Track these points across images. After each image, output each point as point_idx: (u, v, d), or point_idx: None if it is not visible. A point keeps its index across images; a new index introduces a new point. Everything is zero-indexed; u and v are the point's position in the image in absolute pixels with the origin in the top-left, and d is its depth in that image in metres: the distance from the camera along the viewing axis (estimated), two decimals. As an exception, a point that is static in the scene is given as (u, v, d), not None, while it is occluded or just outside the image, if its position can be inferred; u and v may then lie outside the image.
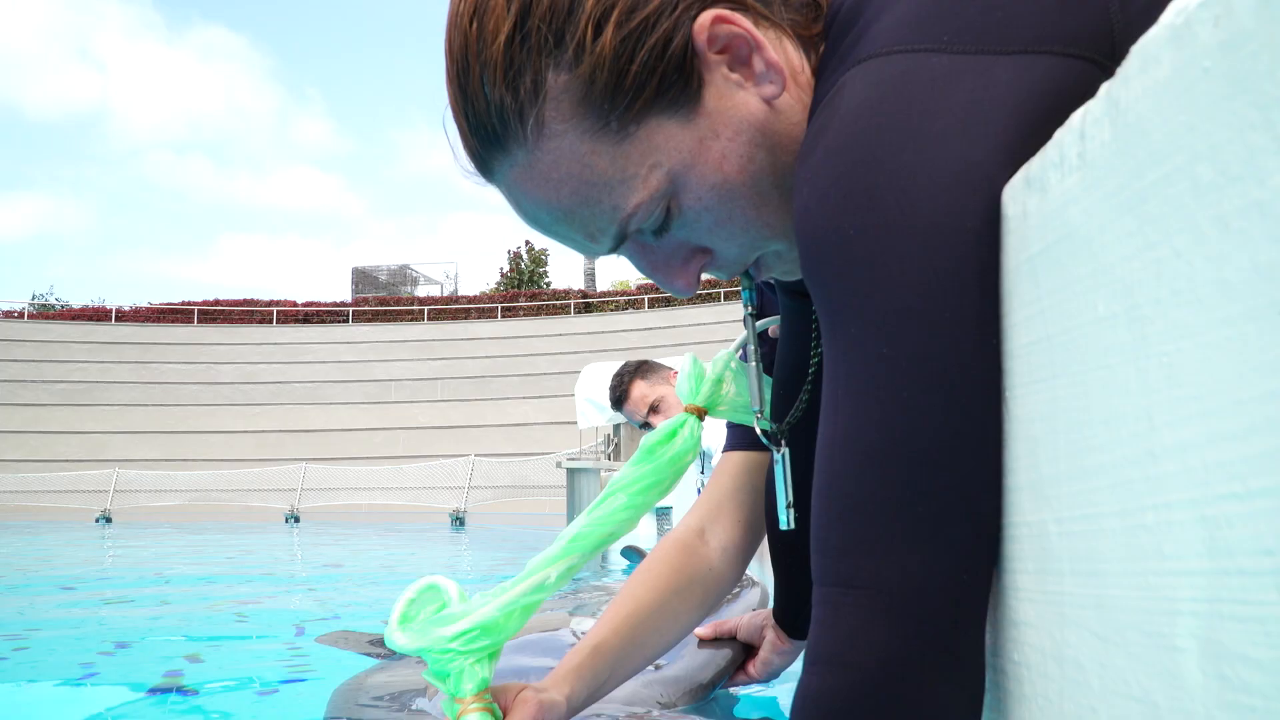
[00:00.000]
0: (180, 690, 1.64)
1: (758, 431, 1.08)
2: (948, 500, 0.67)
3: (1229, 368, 0.41)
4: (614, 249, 0.84)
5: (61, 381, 27.04)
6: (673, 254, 0.86)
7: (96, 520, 17.12)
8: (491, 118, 0.79)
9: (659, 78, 0.78)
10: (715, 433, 1.50)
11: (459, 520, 15.54)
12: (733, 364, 1.28)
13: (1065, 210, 0.56)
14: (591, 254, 0.86)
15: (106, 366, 27.93)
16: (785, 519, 1.04)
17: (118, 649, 2.19)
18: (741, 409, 1.28)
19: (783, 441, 1.06)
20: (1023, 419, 0.65)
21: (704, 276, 0.88)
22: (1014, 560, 0.68)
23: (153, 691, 1.53)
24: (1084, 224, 0.55)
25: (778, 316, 1.21)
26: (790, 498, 1.05)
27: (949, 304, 0.67)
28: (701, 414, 1.28)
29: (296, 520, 16.59)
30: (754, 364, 1.09)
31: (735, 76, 0.80)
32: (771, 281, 1.11)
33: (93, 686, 1.68)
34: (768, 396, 1.17)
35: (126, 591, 4.19)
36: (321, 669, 1.84)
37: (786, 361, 1.12)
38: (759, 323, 1.16)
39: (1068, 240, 0.57)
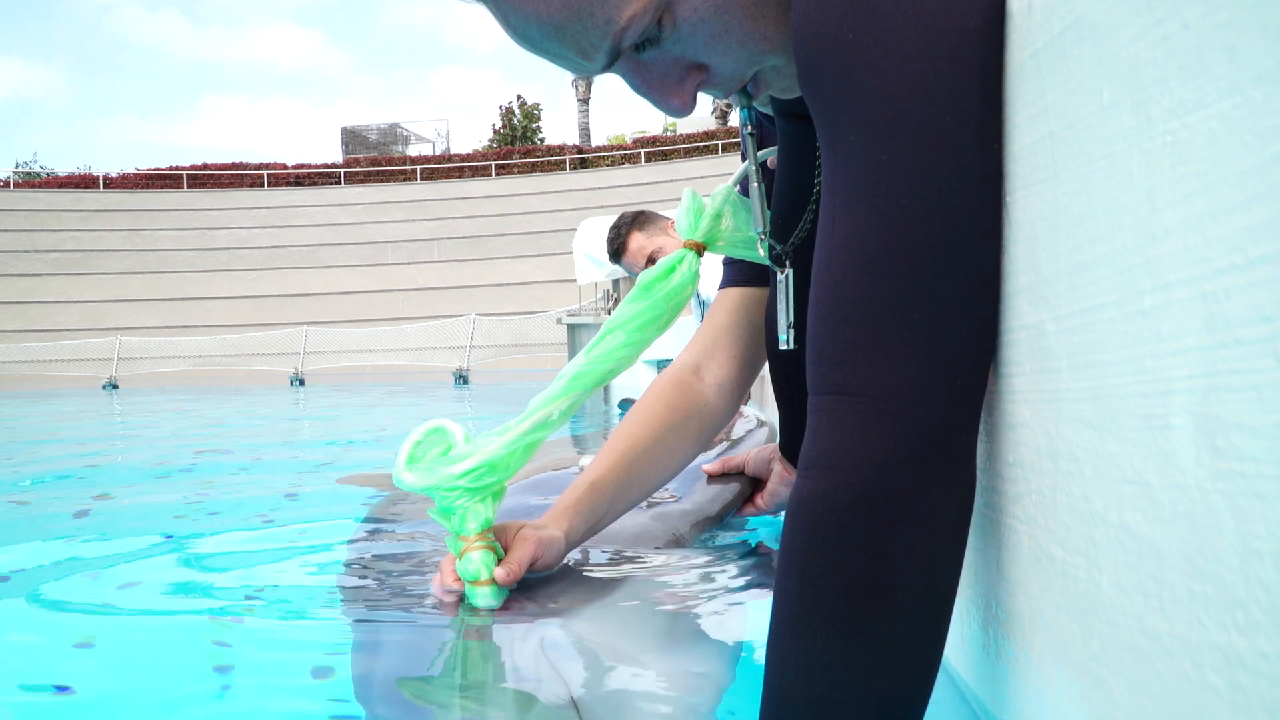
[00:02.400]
0: (194, 535, 1.68)
1: (761, 252, 1.08)
2: (945, 306, 0.67)
3: (1233, 137, 0.40)
4: (607, 67, 0.82)
5: (54, 251, 26.86)
6: (668, 71, 0.83)
7: (103, 387, 17.31)
8: None
9: None
10: (710, 282, 1.49)
11: (463, 378, 15.70)
12: (732, 197, 1.26)
13: (1072, -4, 0.55)
14: (584, 72, 0.83)
15: (99, 235, 27.69)
16: (786, 338, 1.05)
17: (134, 498, 2.24)
18: (740, 243, 1.28)
19: (787, 262, 1.06)
20: (1023, 221, 0.65)
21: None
22: (1011, 364, 0.68)
23: (168, 537, 1.57)
24: (1090, 9, 0.53)
25: (776, 147, 1.19)
26: (792, 318, 1.05)
27: (949, 108, 0.66)
28: (700, 249, 1.27)
29: (301, 383, 16.76)
30: (757, 184, 1.08)
31: None
32: (769, 112, 1.09)
33: (102, 538, 1.73)
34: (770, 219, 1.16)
35: (141, 447, 4.27)
36: (339, 513, 1.89)
37: (786, 186, 1.11)
38: (760, 153, 1.14)
39: (1074, 29, 0.55)
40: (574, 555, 1.27)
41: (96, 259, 26.81)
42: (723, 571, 1.30)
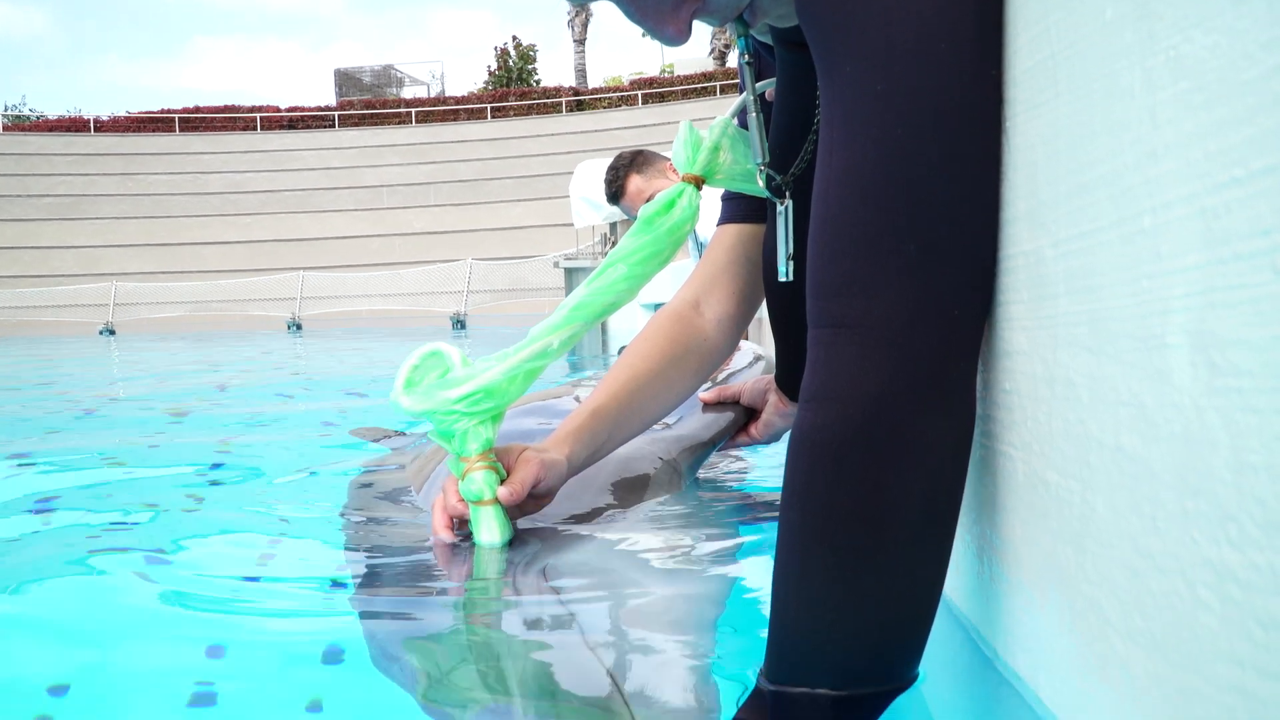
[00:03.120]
0: (210, 482, 1.69)
1: (760, 184, 1.07)
2: (943, 235, 0.67)
3: (1236, 49, 0.40)
4: None
5: (47, 195, 26.64)
6: (663, -1, 0.82)
7: (100, 332, 17.30)
8: None
9: None
10: (707, 222, 1.48)
11: (460, 323, 15.68)
12: (729, 130, 1.25)
13: (1076, -89, 0.53)
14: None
15: (91, 179, 27.44)
16: (785, 270, 1.05)
17: (147, 447, 2.25)
18: (739, 176, 1.27)
19: (787, 193, 1.05)
20: (1022, 147, 0.64)
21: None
22: (1008, 291, 0.68)
23: (188, 483, 1.57)
24: (1095, -76, 0.52)
25: (775, 80, 1.18)
26: (791, 250, 1.05)
27: (945, 35, 0.65)
28: (699, 183, 1.26)
29: (298, 328, 16.75)
30: (756, 114, 1.07)
31: None
32: (768, 41, 1.07)
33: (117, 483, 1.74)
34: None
35: (144, 394, 4.28)
36: (342, 462, 1.90)
37: (784, 116, 1.10)
38: (758, 84, 1.12)
39: (1077, -54, 0.54)
40: (571, 489, 1.28)
41: (89, 204, 26.60)
42: (723, 505, 1.31)
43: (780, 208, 1.05)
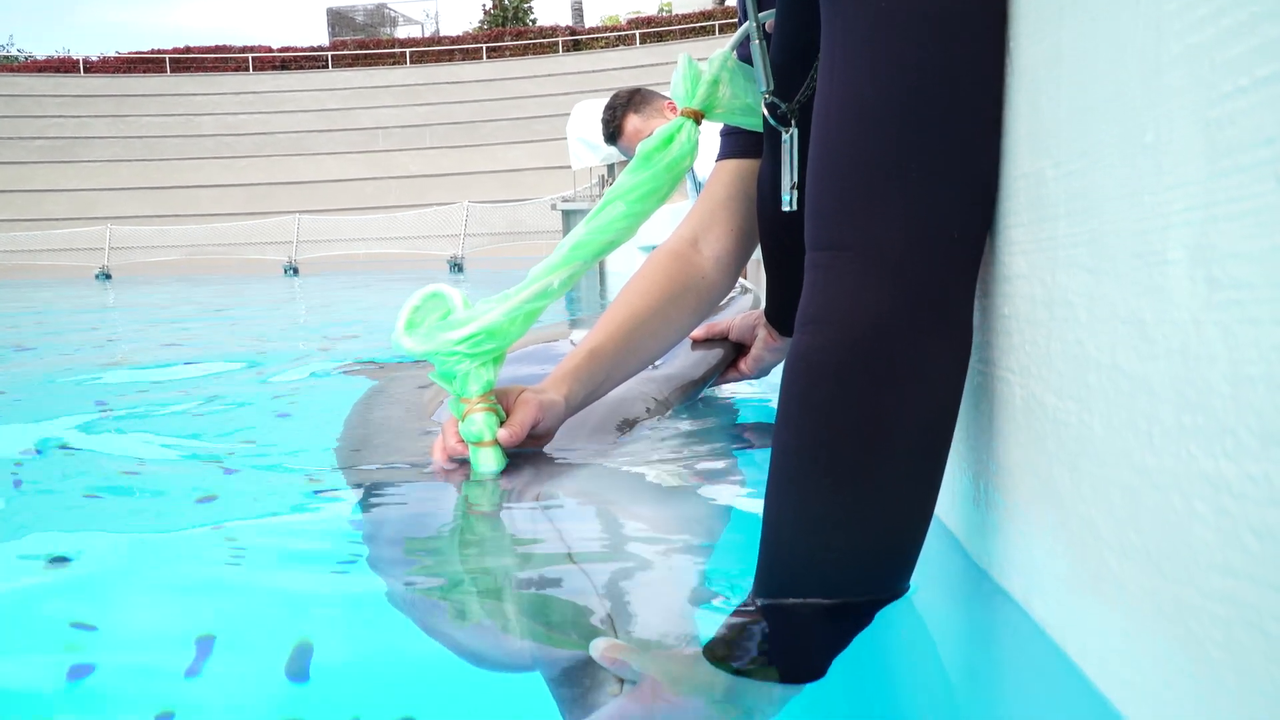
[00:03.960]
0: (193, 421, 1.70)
1: (764, 113, 1.06)
2: (943, 157, 0.66)
3: (1246, -45, 0.39)
4: None
5: (39, 138, 26.37)
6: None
7: (96, 277, 17.22)
8: None
9: None
10: (705, 161, 1.47)
11: (457, 266, 15.62)
12: (729, 64, 1.23)
13: None
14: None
15: (83, 121, 27.15)
16: (789, 199, 1.04)
17: (143, 387, 2.25)
18: (739, 110, 1.25)
19: (792, 120, 1.04)
20: (1026, 68, 0.64)
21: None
22: (1009, 215, 0.68)
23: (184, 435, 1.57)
24: None
25: (775, 10, 1.16)
26: (795, 179, 1.04)
27: None
28: (698, 118, 1.25)
29: (295, 272, 16.67)
30: (759, 40, 1.05)
31: None
32: None
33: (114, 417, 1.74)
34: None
35: (141, 336, 4.27)
36: (336, 394, 1.91)
37: (785, 44, 1.08)
38: (760, 15, 1.11)
39: None
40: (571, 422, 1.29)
41: (82, 146, 26.34)
42: (713, 433, 1.31)
43: (785, 136, 1.04)
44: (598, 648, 0.62)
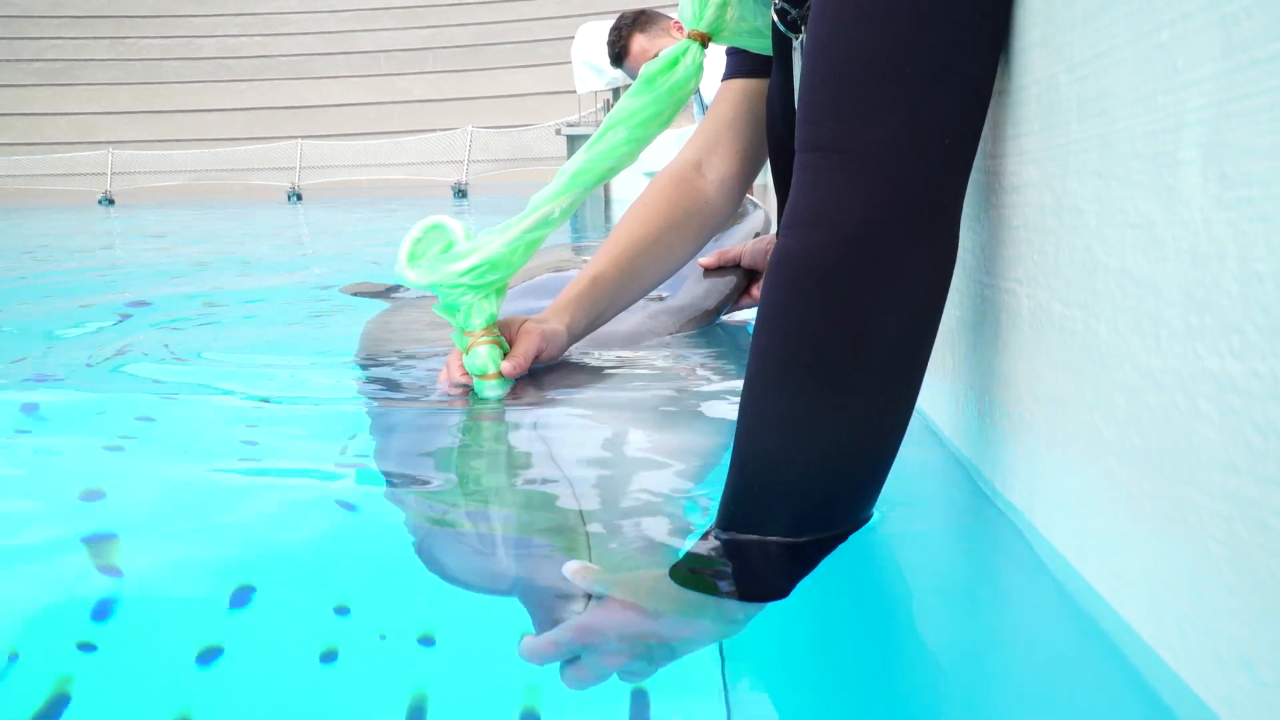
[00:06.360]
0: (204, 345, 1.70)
1: (773, 18, 1.04)
2: (938, 60, 0.65)
3: None
4: None
5: (37, 60, 26.03)
6: None
7: (99, 202, 17.12)
8: None
9: None
10: (711, 83, 1.44)
11: (461, 192, 15.53)
12: (736, -16, 1.21)
13: None
14: None
15: (81, 43, 26.76)
16: None
17: (140, 307, 2.25)
18: (747, 33, 1.23)
19: (802, 27, 1.02)
20: (1041, -31, 0.62)
21: None
22: (1021, 123, 0.67)
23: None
24: None
25: None
26: None
27: None
28: (705, 40, 1.22)
29: (299, 197, 16.59)
30: None
31: None
32: None
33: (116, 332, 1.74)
34: None
35: (145, 261, 4.26)
36: (346, 314, 1.91)
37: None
38: None
39: None
40: (573, 350, 1.29)
41: (81, 69, 26.02)
42: (714, 361, 1.32)
43: (796, 43, 1.02)
44: (570, 569, 0.63)
